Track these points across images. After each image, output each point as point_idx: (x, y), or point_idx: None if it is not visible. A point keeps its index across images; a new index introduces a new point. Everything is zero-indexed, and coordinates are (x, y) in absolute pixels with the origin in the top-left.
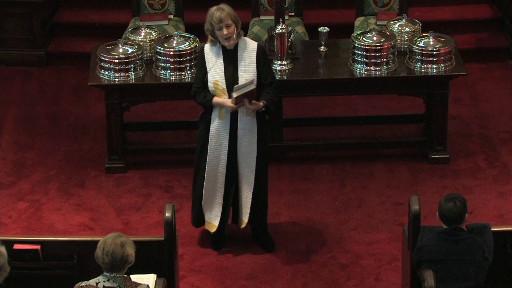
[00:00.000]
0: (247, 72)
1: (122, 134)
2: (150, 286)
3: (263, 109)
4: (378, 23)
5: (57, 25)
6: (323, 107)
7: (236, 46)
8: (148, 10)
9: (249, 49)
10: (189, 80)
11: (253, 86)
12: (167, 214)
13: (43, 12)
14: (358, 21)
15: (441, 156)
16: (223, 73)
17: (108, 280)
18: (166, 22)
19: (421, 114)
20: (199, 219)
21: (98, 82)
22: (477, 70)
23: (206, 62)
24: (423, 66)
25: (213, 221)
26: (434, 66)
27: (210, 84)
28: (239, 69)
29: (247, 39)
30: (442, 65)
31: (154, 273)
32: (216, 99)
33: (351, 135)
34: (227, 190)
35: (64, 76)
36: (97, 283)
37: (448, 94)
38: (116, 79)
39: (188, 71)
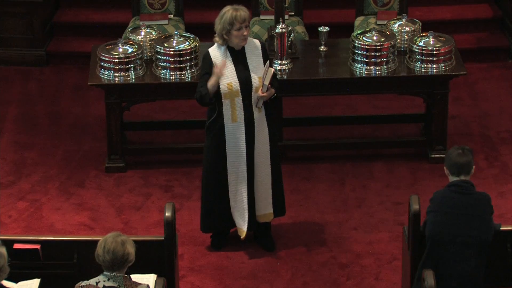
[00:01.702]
0: (257, 70)
1: (122, 133)
2: (150, 286)
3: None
4: (378, 22)
5: (57, 25)
6: (323, 107)
7: (242, 46)
8: (148, 10)
9: (255, 47)
10: (189, 79)
11: (272, 69)
12: (167, 214)
13: (43, 12)
14: (358, 21)
15: (441, 155)
16: (235, 74)
17: (108, 280)
18: (166, 21)
19: (421, 114)
20: (210, 226)
21: (98, 81)
22: (477, 69)
23: (215, 65)
24: (423, 66)
25: (242, 226)
26: (434, 66)
27: (224, 87)
28: (250, 68)
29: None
30: (442, 64)
31: (154, 273)
32: (210, 82)
33: (351, 134)
34: (250, 189)
35: (64, 76)
36: (97, 283)
37: (448, 93)
38: (116, 79)
39: (188, 71)
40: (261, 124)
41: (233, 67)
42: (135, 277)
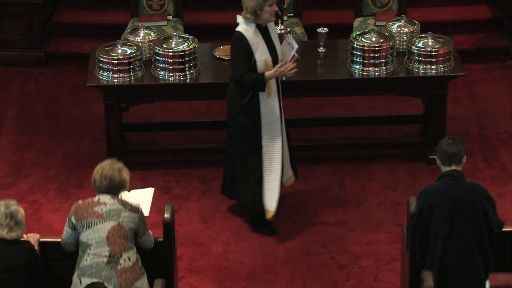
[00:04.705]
0: (278, 44)
1: (121, 134)
2: (149, 195)
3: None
4: (377, 23)
5: (56, 26)
6: (322, 108)
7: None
8: (147, 11)
9: (272, 24)
10: (189, 80)
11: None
12: (166, 215)
13: (42, 13)
14: (357, 22)
15: None
16: (267, 50)
17: (103, 195)
18: (165, 22)
19: (420, 115)
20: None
21: (97, 82)
22: (476, 70)
23: (251, 44)
24: (422, 67)
25: (271, 207)
26: (433, 67)
27: (260, 64)
28: (275, 43)
29: None
30: (441, 65)
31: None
32: (269, 73)
33: (350, 135)
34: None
35: (63, 77)
36: (92, 199)
37: (447, 94)
38: (115, 80)
39: (187, 72)
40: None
41: (265, 44)
42: (135, 192)
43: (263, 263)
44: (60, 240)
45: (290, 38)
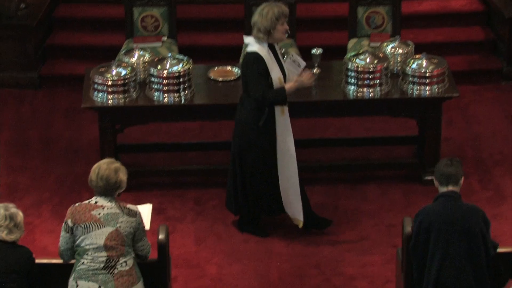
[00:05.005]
0: (282, 62)
1: (116, 156)
2: (147, 210)
3: None
4: (371, 44)
5: (50, 48)
6: (316, 129)
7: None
8: (141, 32)
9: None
10: (183, 102)
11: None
12: (161, 236)
13: (36, 35)
14: (351, 43)
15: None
16: (279, 68)
17: (100, 197)
18: (159, 44)
19: (414, 136)
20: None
21: (92, 104)
22: (470, 92)
23: (267, 63)
24: (416, 88)
25: (299, 216)
26: (427, 88)
27: (276, 82)
28: (282, 61)
29: None
30: (435, 87)
31: None
32: (289, 85)
33: (344, 157)
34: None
35: (58, 99)
36: (89, 201)
37: (441, 116)
38: (109, 101)
39: (182, 93)
40: None
41: (276, 63)
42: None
43: (257, 285)
44: (55, 261)
45: (294, 56)
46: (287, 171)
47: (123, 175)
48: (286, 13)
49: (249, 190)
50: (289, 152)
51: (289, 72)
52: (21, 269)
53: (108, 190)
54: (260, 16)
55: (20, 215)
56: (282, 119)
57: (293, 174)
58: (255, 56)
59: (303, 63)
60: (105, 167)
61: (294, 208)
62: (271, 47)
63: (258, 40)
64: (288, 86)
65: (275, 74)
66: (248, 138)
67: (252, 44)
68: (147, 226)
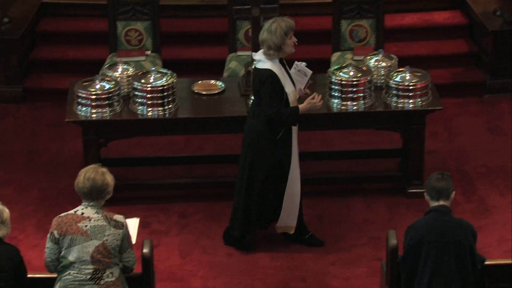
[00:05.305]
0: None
1: None
2: (134, 224)
3: None
4: (355, 58)
5: (34, 62)
6: (300, 142)
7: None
8: (125, 46)
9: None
10: (167, 115)
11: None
12: (145, 250)
13: (20, 49)
14: (335, 56)
15: (419, 190)
16: (291, 82)
17: (86, 208)
18: (143, 58)
19: (398, 149)
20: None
21: (75, 118)
22: (453, 104)
23: (281, 79)
24: (399, 101)
25: (292, 223)
26: (411, 101)
27: (291, 96)
28: (291, 74)
29: None
30: (419, 100)
31: None
32: (302, 106)
33: (328, 170)
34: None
35: (41, 113)
36: (75, 211)
37: (424, 128)
38: (93, 115)
39: (166, 107)
40: None
41: (288, 77)
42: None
43: None
44: (40, 276)
45: (299, 65)
46: (295, 180)
47: (110, 179)
48: (293, 26)
49: (255, 199)
50: (297, 162)
51: (296, 82)
52: (8, 266)
53: (94, 193)
54: (269, 33)
55: (6, 211)
56: (295, 130)
57: (298, 183)
58: (269, 73)
59: (309, 72)
60: (91, 170)
61: (291, 215)
62: (280, 61)
63: (269, 57)
64: (301, 106)
65: (289, 88)
66: (263, 148)
67: (263, 61)
68: (133, 240)
